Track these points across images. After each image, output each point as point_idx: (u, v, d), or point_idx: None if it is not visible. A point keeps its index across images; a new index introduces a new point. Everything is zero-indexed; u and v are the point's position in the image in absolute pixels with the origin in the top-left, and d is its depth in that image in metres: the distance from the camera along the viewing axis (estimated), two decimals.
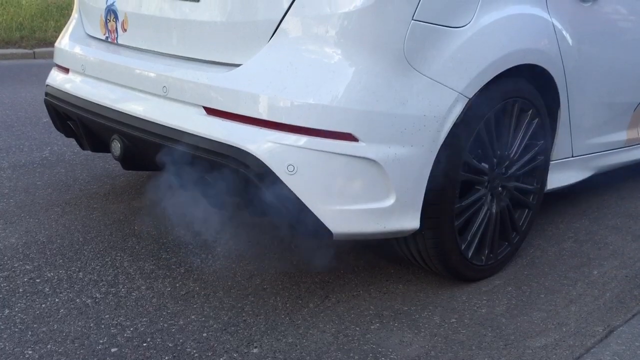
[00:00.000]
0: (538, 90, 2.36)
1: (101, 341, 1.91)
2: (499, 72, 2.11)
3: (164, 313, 2.07)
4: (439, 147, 2.01)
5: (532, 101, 2.33)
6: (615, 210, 3.14)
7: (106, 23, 2.46)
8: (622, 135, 3.01)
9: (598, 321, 2.15)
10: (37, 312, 2.05)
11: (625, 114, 2.96)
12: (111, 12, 2.43)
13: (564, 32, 2.39)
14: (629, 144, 3.09)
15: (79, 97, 2.44)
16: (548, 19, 2.31)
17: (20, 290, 2.16)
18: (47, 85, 2.69)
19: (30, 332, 1.94)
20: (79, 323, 2.00)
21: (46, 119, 3.83)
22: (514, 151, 2.33)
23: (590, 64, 2.57)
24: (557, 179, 2.65)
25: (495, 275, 2.43)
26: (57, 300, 2.12)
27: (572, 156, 2.72)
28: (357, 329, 2.05)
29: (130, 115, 2.20)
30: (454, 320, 2.12)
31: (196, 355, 1.87)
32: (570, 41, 2.42)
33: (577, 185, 2.83)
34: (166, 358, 1.85)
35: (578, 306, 2.24)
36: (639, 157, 3.23)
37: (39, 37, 7.63)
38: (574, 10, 2.44)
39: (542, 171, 2.49)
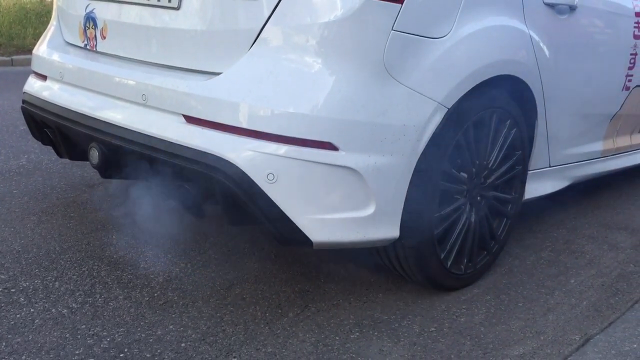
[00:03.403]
0: (516, 101, 2.39)
1: (77, 352, 1.88)
2: (478, 83, 2.14)
3: (142, 323, 2.05)
4: (418, 156, 2.02)
5: (510, 111, 2.35)
6: (592, 220, 3.18)
7: (85, 30, 2.45)
8: (598, 146, 3.05)
9: (575, 330, 2.16)
10: (12, 322, 2.01)
11: (601, 125, 3.01)
12: (90, 20, 2.41)
13: (541, 44, 2.42)
14: (605, 154, 3.13)
15: (57, 105, 2.41)
16: (525, 30, 2.34)
17: None
18: (24, 92, 2.66)
19: (4, 343, 1.90)
20: (55, 333, 1.97)
21: (23, 126, 3.78)
22: (492, 161, 2.35)
23: (566, 75, 2.61)
24: (534, 189, 2.68)
25: (474, 284, 2.45)
26: (32, 310, 2.09)
27: (550, 166, 2.75)
28: (337, 338, 2.04)
29: (109, 123, 2.18)
30: (433, 329, 2.13)
31: None
32: (547, 53, 2.45)
33: (555, 195, 2.86)
34: None
35: (555, 315, 2.26)
36: (614, 167, 3.27)
37: (17, 44, 7.55)
38: (551, 22, 2.48)
39: (520, 181, 2.52)
